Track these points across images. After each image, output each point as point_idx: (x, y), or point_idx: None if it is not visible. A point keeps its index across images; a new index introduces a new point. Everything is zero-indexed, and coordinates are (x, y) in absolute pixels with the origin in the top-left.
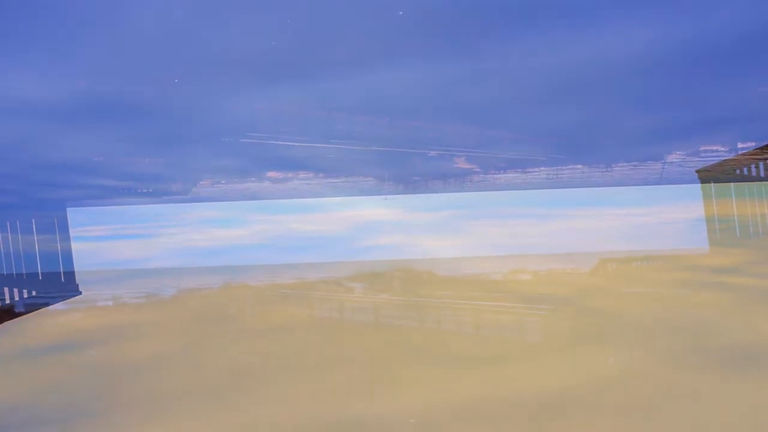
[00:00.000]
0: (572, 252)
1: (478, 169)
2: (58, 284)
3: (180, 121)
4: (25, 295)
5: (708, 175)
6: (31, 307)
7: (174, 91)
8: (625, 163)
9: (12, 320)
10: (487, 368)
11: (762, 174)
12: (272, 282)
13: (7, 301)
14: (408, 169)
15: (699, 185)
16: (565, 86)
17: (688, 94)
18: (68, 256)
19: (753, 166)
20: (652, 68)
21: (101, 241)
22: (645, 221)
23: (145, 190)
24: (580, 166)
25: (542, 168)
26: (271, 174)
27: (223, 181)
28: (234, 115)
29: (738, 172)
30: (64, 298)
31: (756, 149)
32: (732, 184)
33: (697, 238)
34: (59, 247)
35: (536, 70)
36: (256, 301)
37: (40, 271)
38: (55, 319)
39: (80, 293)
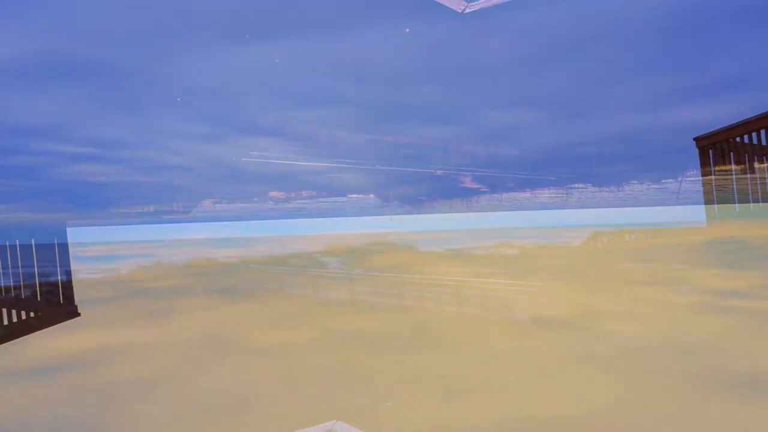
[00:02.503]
0: (580, 273)
1: (485, 189)
2: (57, 305)
3: (146, 83)
4: (24, 317)
5: (717, 184)
6: (30, 328)
7: (139, 51)
8: (636, 181)
9: (10, 342)
10: (494, 392)
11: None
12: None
13: (5, 323)
14: (413, 188)
15: (711, 206)
16: (563, 47)
17: (693, 56)
18: (68, 277)
19: (752, 134)
20: (655, 31)
21: (101, 261)
22: (655, 242)
23: (141, 210)
24: (589, 186)
25: (552, 188)
26: (274, 194)
27: (224, 201)
28: (203, 77)
29: (739, 140)
30: (62, 319)
31: (760, 115)
32: (747, 204)
33: (709, 259)
34: (58, 268)
35: (533, 29)
36: (257, 324)
37: (38, 292)
38: (54, 341)
39: (79, 315)
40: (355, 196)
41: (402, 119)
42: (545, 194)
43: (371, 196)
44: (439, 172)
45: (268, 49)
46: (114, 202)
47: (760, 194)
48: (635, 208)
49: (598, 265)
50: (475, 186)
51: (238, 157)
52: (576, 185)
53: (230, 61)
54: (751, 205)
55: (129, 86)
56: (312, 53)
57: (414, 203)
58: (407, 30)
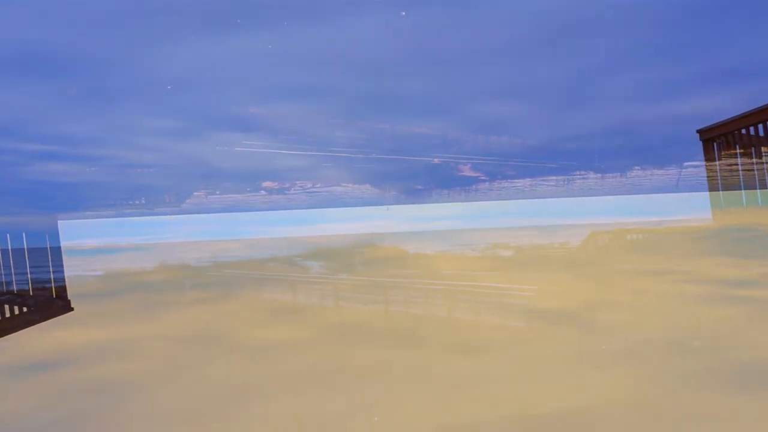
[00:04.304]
0: (582, 264)
1: (483, 177)
2: (50, 300)
3: (114, 74)
4: (17, 312)
5: (723, 177)
6: (21, 324)
7: (107, 40)
8: (639, 168)
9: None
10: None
11: None
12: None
13: None
14: (410, 178)
15: (716, 193)
16: (560, 33)
17: (697, 45)
18: (60, 271)
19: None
20: (658, 18)
21: (94, 254)
22: (659, 231)
23: (137, 202)
24: (591, 173)
25: (552, 176)
26: (267, 184)
27: (217, 192)
28: (176, 68)
29: (745, 132)
30: (55, 314)
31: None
32: (754, 191)
33: (714, 248)
34: (50, 262)
35: (527, 14)
36: (245, 319)
37: (30, 287)
38: (46, 337)
39: (72, 309)
40: (349, 186)
41: (392, 109)
42: (544, 186)
43: (366, 186)
44: (436, 160)
45: (249, 37)
46: (83, 203)
47: None
48: (638, 196)
49: (606, 257)
50: (474, 174)
51: (217, 152)
52: (576, 178)
53: (207, 51)
54: (759, 196)
55: (97, 79)
56: (295, 41)
57: (411, 193)
58: (403, 13)
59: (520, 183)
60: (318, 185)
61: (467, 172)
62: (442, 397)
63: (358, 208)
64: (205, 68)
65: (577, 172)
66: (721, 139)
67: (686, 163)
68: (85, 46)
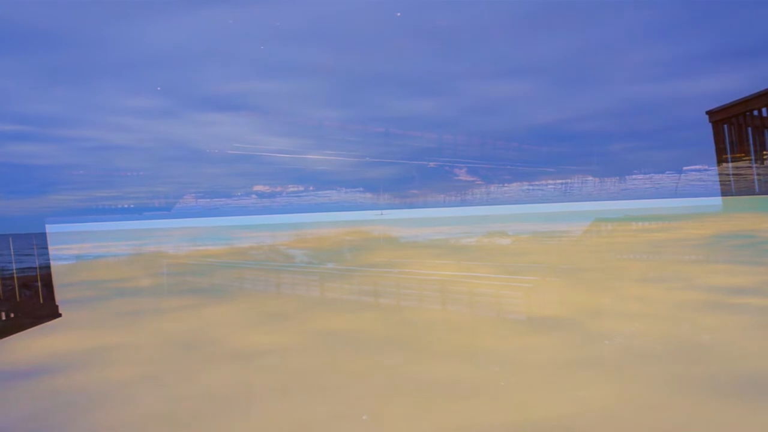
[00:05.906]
0: (580, 270)
1: (480, 182)
2: (37, 306)
3: (88, 51)
4: (3, 317)
5: (726, 185)
6: (7, 330)
7: (80, 14)
8: (640, 174)
9: None
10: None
11: None
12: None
13: None
14: (405, 181)
15: (716, 198)
16: (560, 9)
17: (709, 20)
18: (47, 276)
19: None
20: None
21: (82, 259)
22: (658, 237)
23: (125, 205)
24: (590, 177)
25: (550, 180)
26: (258, 188)
27: (207, 197)
28: (154, 45)
29: (757, 113)
30: (43, 320)
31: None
32: (753, 197)
33: (713, 255)
34: (38, 267)
35: None
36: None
37: (17, 292)
38: (34, 343)
39: (60, 315)
40: (343, 189)
41: (382, 91)
42: (545, 183)
43: (360, 188)
44: (432, 164)
45: (227, 11)
46: (52, 187)
47: None
48: (643, 191)
49: (614, 259)
50: (470, 178)
51: (195, 135)
52: (576, 168)
53: (184, 26)
54: None
55: (68, 55)
56: (278, 17)
57: (405, 197)
58: (398, 14)
59: (517, 185)
60: (310, 188)
61: (463, 175)
62: (432, 394)
63: (351, 212)
64: (185, 45)
65: (575, 176)
66: (733, 121)
67: (692, 149)
68: (55, 22)
